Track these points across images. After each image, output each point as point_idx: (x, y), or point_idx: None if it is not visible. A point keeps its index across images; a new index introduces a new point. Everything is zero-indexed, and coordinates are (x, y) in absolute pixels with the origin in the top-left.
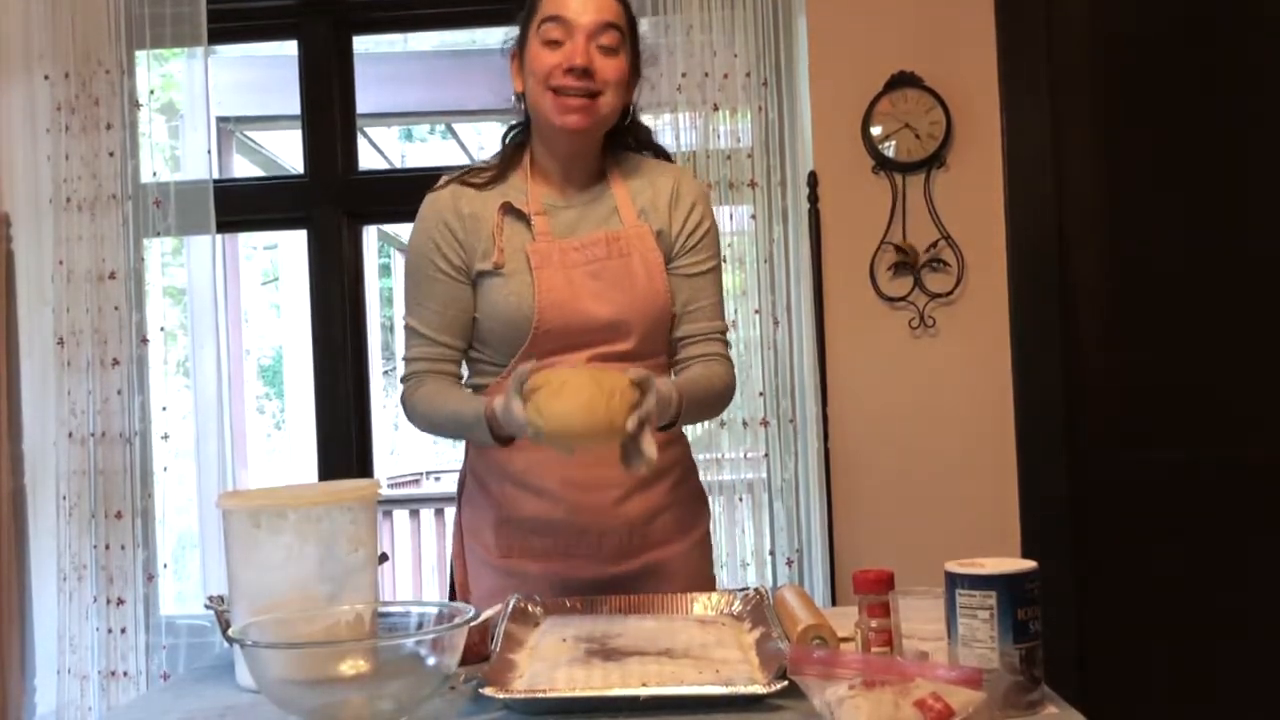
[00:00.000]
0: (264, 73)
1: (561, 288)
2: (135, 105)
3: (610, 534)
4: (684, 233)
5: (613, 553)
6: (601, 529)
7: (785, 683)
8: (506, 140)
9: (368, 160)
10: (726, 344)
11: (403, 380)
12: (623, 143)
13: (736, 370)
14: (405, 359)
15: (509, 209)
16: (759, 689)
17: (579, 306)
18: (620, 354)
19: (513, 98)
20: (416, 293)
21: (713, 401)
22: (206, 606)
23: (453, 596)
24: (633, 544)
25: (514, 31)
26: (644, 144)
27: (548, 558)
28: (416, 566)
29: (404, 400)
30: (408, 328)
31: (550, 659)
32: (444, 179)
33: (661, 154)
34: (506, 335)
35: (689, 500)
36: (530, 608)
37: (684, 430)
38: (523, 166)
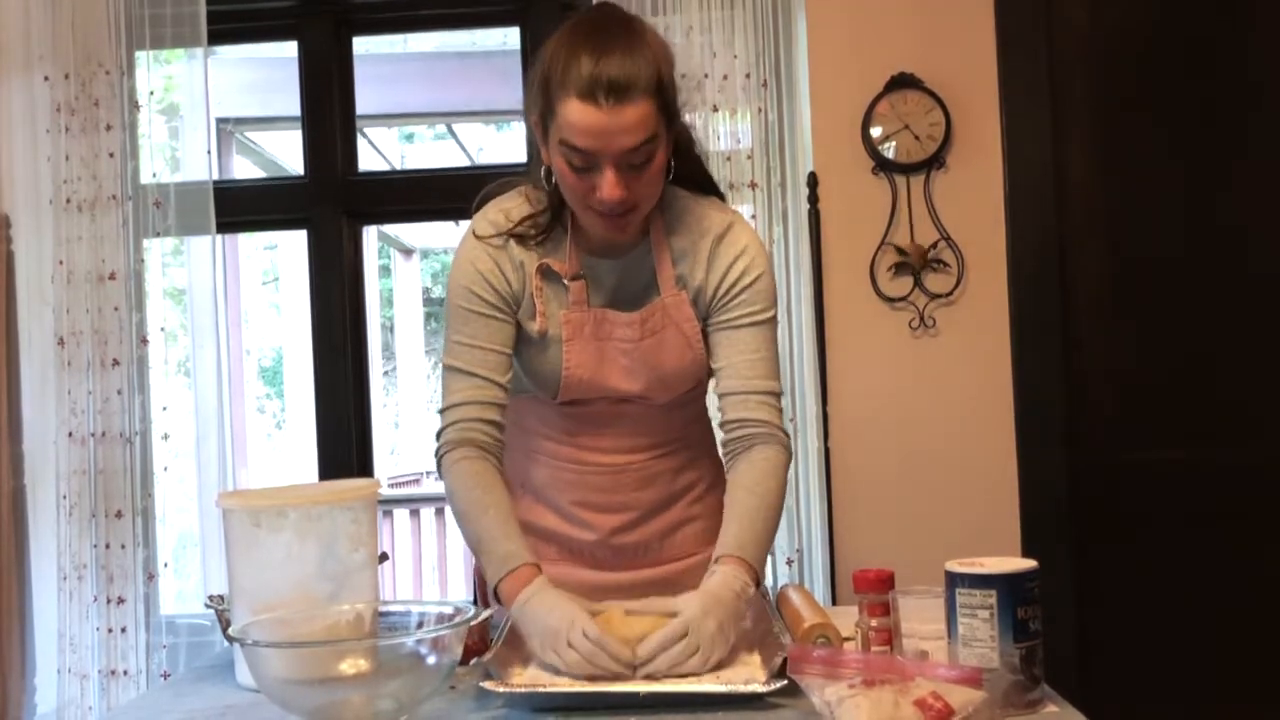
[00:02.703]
0: (264, 73)
1: (590, 363)
2: (135, 106)
3: (626, 550)
4: (720, 288)
5: (629, 564)
6: (615, 545)
7: (785, 682)
8: (546, 186)
9: (368, 161)
10: (774, 407)
11: (440, 435)
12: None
13: None
14: (446, 408)
15: (546, 271)
16: (759, 688)
17: (605, 382)
18: (642, 403)
19: (540, 167)
20: (464, 331)
21: (774, 510)
22: (207, 606)
23: (475, 583)
24: (649, 558)
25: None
26: (693, 180)
27: (561, 563)
28: (416, 566)
29: (440, 462)
30: (451, 370)
31: (552, 666)
32: (488, 223)
33: (712, 188)
34: (535, 385)
35: (712, 513)
36: None
37: (709, 445)
38: (566, 220)
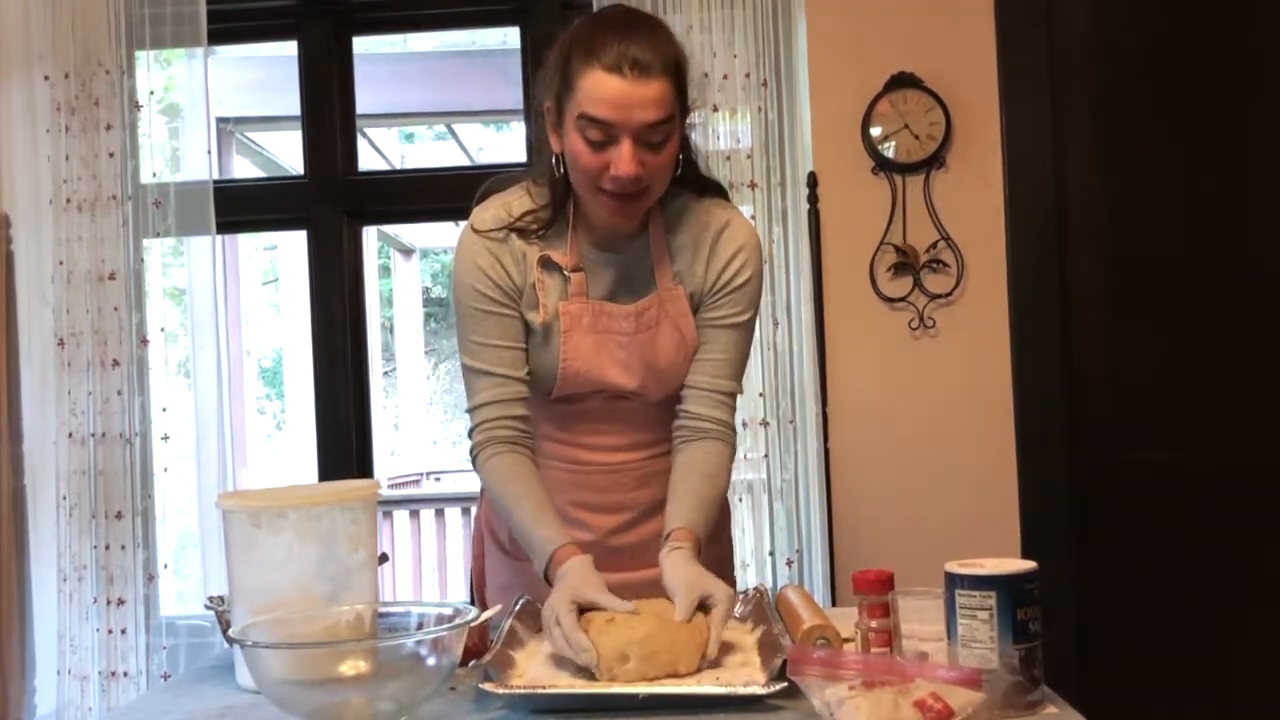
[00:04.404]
0: (264, 73)
1: (588, 355)
2: (135, 106)
3: (624, 552)
4: (714, 285)
5: (626, 564)
6: (613, 547)
7: (785, 683)
8: (558, 173)
9: (368, 161)
10: (731, 407)
11: (472, 434)
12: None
13: None
14: (473, 408)
15: (547, 263)
16: (758, 689)
17: (602, 375)
18: (637, 400)
19: (548, 159)
20: (477, 330)
21: (721, 498)
22: (207, 607)
23: (471, 584)
24: (646, 558)
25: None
26: (695, 181)
27: None
28: (416, 566)
29: (475, 461)
30: (471, 371)
31: (552, 666)
32: (489, 217)
33: (713, 188)
34: (533, 380)
35: None
36: (539, 605)
37: None
38: (568, 213)
